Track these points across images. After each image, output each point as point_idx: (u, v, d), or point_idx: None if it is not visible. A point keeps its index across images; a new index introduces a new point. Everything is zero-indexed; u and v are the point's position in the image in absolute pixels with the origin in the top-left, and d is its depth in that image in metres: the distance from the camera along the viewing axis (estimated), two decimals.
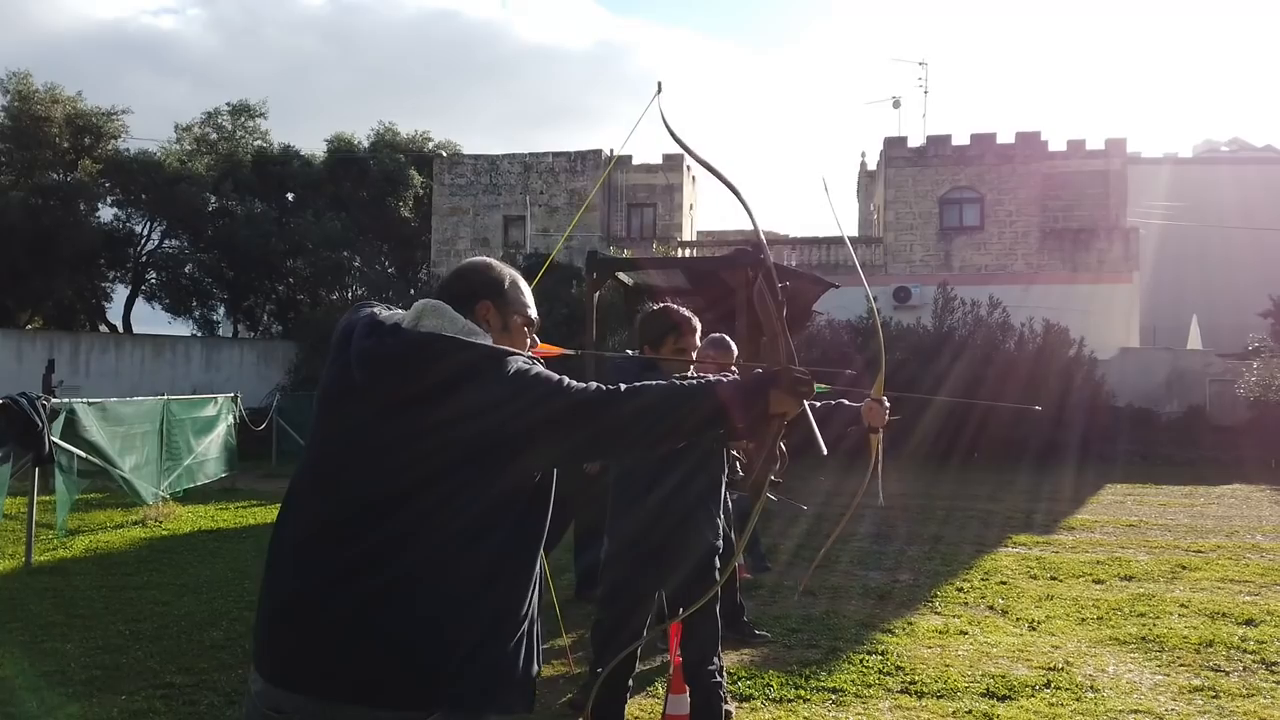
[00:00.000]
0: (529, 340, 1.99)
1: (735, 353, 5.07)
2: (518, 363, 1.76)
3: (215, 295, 27.75)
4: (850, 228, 36.10)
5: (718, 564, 3.31)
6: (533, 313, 1.99)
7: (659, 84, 2.44)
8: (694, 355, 3.25)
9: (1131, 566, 7.75)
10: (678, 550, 3.20)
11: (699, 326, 3.28)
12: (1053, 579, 7.32)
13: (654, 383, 1.78)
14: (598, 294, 9.72)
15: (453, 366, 1.71)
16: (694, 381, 1.81)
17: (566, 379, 1.77)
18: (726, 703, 4.22)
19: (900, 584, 7.16)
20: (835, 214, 3.79)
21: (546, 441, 1.74)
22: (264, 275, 27.38)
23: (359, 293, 27.20)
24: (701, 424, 1.81)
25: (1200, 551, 8.51)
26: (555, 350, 2.25)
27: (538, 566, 1.85)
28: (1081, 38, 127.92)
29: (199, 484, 11.96)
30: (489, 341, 1.80)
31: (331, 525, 1.73)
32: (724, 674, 4.27)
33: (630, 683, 3.34)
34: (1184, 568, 7.71)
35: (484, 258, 2.05)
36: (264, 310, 29.34)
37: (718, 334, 5.09)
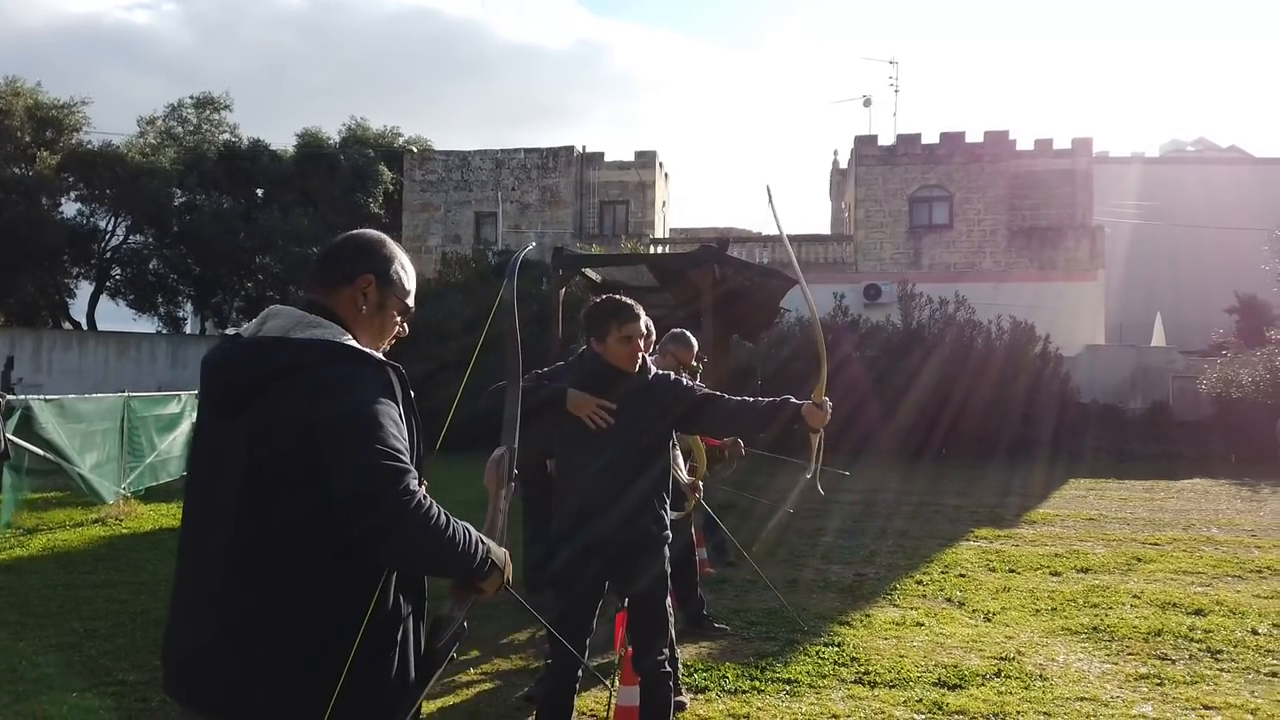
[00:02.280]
0: (397, 330, 1.96)
1: (695, 348, 5.11)
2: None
3: (181, 292, 27.39)
4: (823, 226, 36.37)
5: (666, 554, 3.33)
6: (411, 302, 1.96)
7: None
8: (640, 342, 3.25)
9: (1088, 559, 7.87)
10: (623, 542, 3.21)
11: (642, 314, 3.28)
12: (1011, 571, 7.42)
13: (440, 516, 1.72)
14: (564, 290, 9.76)
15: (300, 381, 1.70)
16: (472, 536, 1.78)
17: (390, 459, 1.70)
18: (680, 694, 4.26)
19: (862, 577, 7.22)
20: (777, 220, 3.79)
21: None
22: (232, 272, 27.08)
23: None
24: (445, 574, 1.82)
25: (1156, 544, 8.66)
26: None
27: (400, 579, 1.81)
28: (1050, 37, 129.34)
29: (162, 482, 11.81)
30: (335, 334, 1.78)
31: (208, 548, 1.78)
32: (677, 665, 4.31)
33: (580, 674, 3.35)
34: (1139, 560, 7.85)
35: (381, 234, 1.99)
36: (232, 307, 29.02)
37: (679, 329, 5.13)
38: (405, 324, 1.98)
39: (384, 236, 1.97)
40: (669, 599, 4.34)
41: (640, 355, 3.25)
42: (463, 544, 1.76)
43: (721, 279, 8.71)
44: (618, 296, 3.38)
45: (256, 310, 27.76)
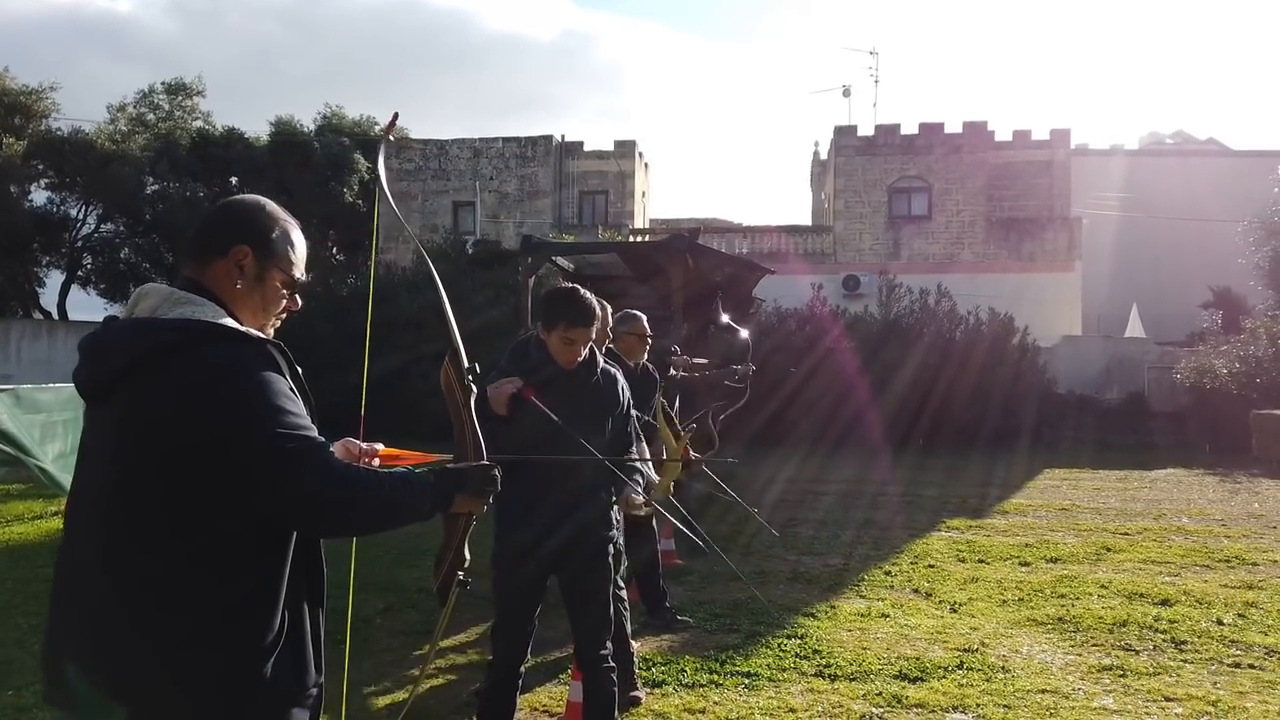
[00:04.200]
0: (286, 304, 1.81)
1: (644, 319, 5.05)
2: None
3: (154, 281, 26.99)
4: (804, 217, 36.32)
5: (610, 550, 3.23)
6: (298, 273, 1.80)
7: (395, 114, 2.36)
8: (582, 348, 3.14)
9: (1058, 549, 7.83)
10: (568, 538, 3.11)
11: (597, 320, 3.19)
12: (980, 562, 7.37)
13: (365, 477, 1.66)
14: (533, 279, 9.62)
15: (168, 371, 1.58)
16: (396, 479, 1.70)
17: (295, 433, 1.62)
18: (636, 689, 4.17)
19: (830, 568, 7.16)
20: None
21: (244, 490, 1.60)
22: None
23: (305, 278, 26.66)
24: (396, 523, 1.76)
25: (1126, 534, 8.64)
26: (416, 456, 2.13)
27: (287, 579, 1.69)
28: (1030, 29, 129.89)
29: None
30: (209, 313, 1.64)
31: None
32: (633, 660, 4.21)
33: (523, 670, 3.25)
34: (1108, 550, 7.82)
35: (261, 198, 1.82)
36: None
37: (626, 310, 5.10)
38: (296, 297, 1.83)
39: (264, 201, 1.81)
40: (624, 593, 4.26)
41: (580, 356, 3.15)
42: (399, 494, 1.68)
43: (693, 269, 8.60)
44: (582, 294, 3.26)
45: None
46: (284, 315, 1.86)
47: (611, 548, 3.26)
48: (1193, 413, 19.30)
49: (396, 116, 2.25)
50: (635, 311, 5.21)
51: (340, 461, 1.69)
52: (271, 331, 1.84)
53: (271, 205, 1.81)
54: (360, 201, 28.95)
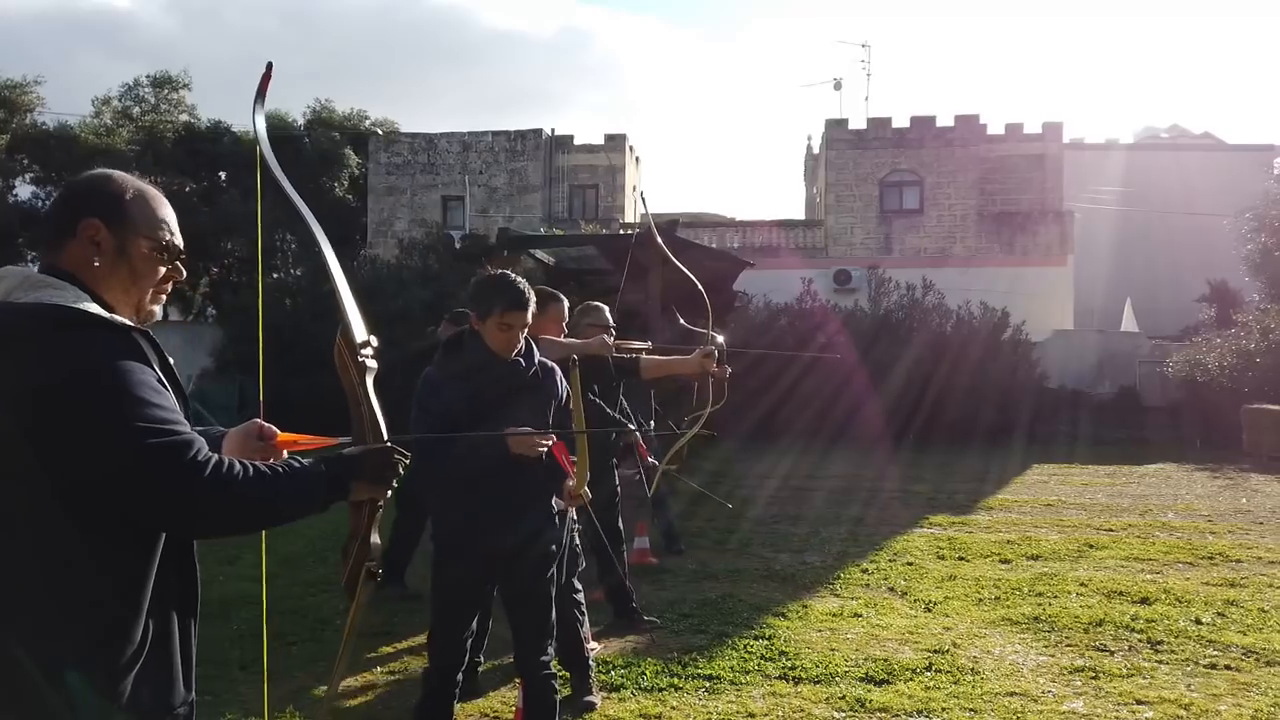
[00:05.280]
0: (161, 271, 1.65)
1: (606, 311, 4.93)
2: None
3: None
4: (797, 211, 36.19)
5: (553, 551, 3.10)
6: (170, 236, 1.64)
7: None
8: (521, 333, 3.02)
9: (1040, 546, 7.71)
10: (509, 544, 2.98)
11: (533, 303, 3.06)
12: (960, 559, 7.24)
13: (241, 472, 1.52)
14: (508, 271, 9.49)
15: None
16: (282, 474, 1.57)
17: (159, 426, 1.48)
18: (591, 693, 4.05)
19: (807, 566, 7.03)
20: (650, 221, 3.64)
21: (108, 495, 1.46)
22: (194, 255, 26.53)
23: (294, 274, 26.47)
24: (286, 518, 1.63)
25: (1110, 530, 8.52)
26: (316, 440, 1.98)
27: (154, 586, 1.55)
28: (1024, 22, 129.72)
29: None
30: (67, 297, 1.49)
31: None
32: (588, 663, 4.09)
33: (459, 678, 3.12)
34: (1091, 546, 7.69)
35: (109, 170, 1.67)
36: (196, 292, 28.46)
37: (589, 302, 4.99)
38: (179, 266, 1.68)
39: (110, 171, 1.66)
40: (580, 595, 4.12)
41: (519, 344, 3.02)
42: (282, 488, 1.55)
43: (667, 261, 8.45)
44: (514, 278, 3.14)
45: (221, 295, 27.45)
46: (169, 287, 1.71)
47: (565, 550, 3.13)
48: (1184, 407, 19.20)
49: (270, 67, 2.11)
50: (597, 303, 5.11)
51: (214, 456, 1.55)
52: (158, 309, 1.71)
53: (121, 174, 1.66)
54: (350, 196, 28.76)
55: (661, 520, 7.71)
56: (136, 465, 1.44)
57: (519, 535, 3.01)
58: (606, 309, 5.06)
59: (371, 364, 1.82)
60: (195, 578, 1.66)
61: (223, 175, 27.97)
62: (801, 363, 16.69)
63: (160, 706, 1.56)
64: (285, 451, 1.89)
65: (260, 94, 2.08)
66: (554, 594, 3.10)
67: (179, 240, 1.67)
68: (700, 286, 5.57)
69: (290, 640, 5.03)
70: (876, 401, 17.56)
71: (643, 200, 3.60)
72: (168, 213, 1.67)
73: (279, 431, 1.91)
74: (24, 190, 24.99)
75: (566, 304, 4.14)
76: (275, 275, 27.04)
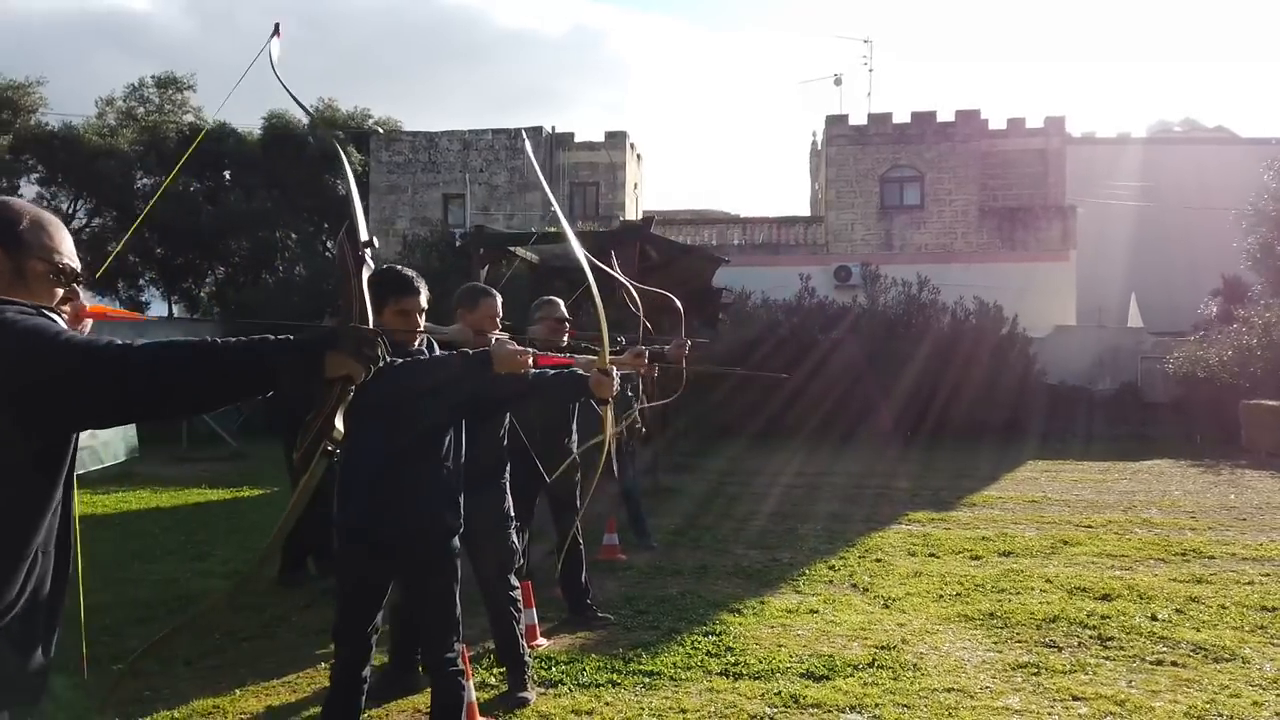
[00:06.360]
0: (60, 293, 1.74)
1: (560, 305, 4.93)
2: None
3: (143, 275, 27.02)
4: (802, 207, 36.06)
5: (455, 545, 3.10)
6: (65, 260, 1.73)
7: (276, 25, 2.25)
8: (420, 317, 3.04)
9: (1014, 542, 7.67)
10: (410, 538, 2.99)
11: (425, 288, 3.08)
12: (931, 555, 7.22)
13: (191, 340, 1.58)
14: (485, 270, 9.50)
15: None
16: (240, 340, 1.61)
17: (74, 334, 1.58)
18: (526, 690, 4.06)
19: (775, 563, 7.02)
20: (564, 222, 3.64)
21: (46, 399, 1.52)
22: (198, 255, 26.69)
23: (297, 273, 26.59)
24: (247, 385, 1.65)
25: (1089, 527, 8.47)
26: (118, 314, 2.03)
27: (38, 548, 1.62)
28: (1028, 14, 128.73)
29: (92, 469, 11.57)
30: None
31: None
32: (523, 659, 4.10)
33: (367, 674, 3.13)
34: (1065, 543, 7.65)
35: (4, 197, 1.78)
36: (201, 291, 28.64)
37: (547, 296, 5.00)
38: (75, 287, 1.77)
39: (10, 200, 1.77)
40: (516, 592, 4.13)
41: (420, 335, 3.03)
42: (239, 357, 1.58)
43: (646, 258, 8.46)
44: (399, 269, 3.17)
45: (225, 294, 27.60)
46: (65, 307, 1.78)
47: (456, 541, 3.13)
48: (1184, 403, 19.05)
49: (278, 27, 2.19)
50: (553, 297, 5.11)
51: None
52: None
53: (16, 201, 1.77)
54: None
55: (633, 514, 7.72)
56: (71, 364, 1.51)
57: (415, 525, 3.01)
58: (561, 303, 5.06)
59: (370, 262, 1.86)
60: (69, 549, 1.71)
61: (227, 175, 28.11)
62: (804, 363, 16.70)
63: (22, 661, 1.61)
64: None
65: (269, 53, 2.17)
66: (457, 590, 3.10)
67: (75, 264, 1.76)
68: (671, 295, 5.60)
69: (242, 637, 5.07)
70: (873, 399, 17.51)
71: (560, 219, 3.58)
72: (62, 238, 1.76)
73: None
74: (29, 190, 25.17)
75: (499, 299, 4.14)
76: (278, 275, 27.20)
